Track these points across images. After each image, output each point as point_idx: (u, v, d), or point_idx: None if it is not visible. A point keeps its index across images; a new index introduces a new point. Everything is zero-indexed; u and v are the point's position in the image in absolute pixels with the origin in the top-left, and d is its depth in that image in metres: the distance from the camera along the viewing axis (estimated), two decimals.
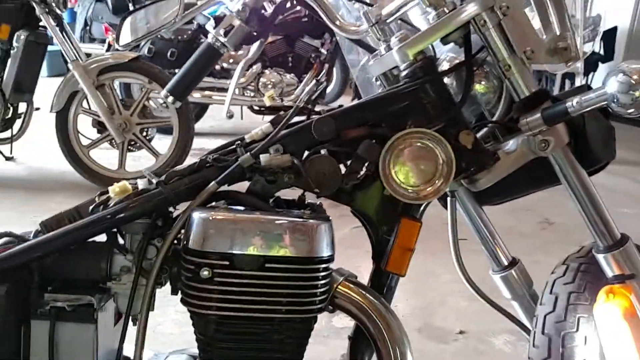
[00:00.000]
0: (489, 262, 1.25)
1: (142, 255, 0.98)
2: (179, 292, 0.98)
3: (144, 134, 3.40)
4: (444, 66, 1.11)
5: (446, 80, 1.08)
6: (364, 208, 1.04)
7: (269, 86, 4.42)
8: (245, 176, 0.99)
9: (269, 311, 0.93)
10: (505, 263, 1.23)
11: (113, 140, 3.31)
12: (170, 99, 1.10)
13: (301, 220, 0.95)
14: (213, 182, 0.97)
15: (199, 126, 4.41)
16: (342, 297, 1.00)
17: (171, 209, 1.03)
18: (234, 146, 1.03)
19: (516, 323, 1.23)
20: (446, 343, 2.23)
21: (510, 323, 1.40)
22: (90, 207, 0.99)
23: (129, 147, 3.35)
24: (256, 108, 4.69)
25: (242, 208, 0.98)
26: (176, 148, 3.35)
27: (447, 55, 1.16)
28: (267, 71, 4.43)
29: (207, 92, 4.46)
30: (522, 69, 1.01)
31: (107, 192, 1.00)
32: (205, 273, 0.92)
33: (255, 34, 1.11)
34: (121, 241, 1.01)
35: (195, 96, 4.37)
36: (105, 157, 3.45)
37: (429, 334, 2.26)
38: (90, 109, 3.30)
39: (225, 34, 1.08)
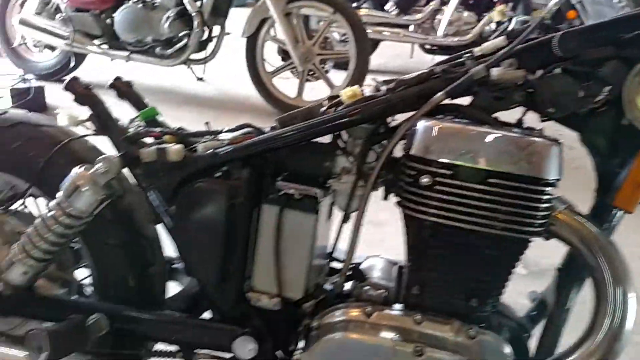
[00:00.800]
0: None
1: (362, 159, 1.03)
2: (391, 196, 1.02)
3: (322, 65, 3.51)
4: None
5: None
6: (595, 136, 0.98)
7: (444, 24, 4.26)
8: (472, 90, 0.98)
9: (485, 226, 0.93)
10: None
11: (294, 69, 3.47)
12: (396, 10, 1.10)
13: (532, 138, 0.92)
14: (441, 93, 0.97)
15: None
16: (561, 226, 0.96)
17: (390, 118, 1.06)
18: (462, 59, 1.01)
19: None
20: None
21: None
22: (322, 109, 1.05)
23: (308, 76, 3.49)
24: (428, 47, 4.57)
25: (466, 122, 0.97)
26: (351, 81, 3.41)
27: None
28: (445, 8, 4.26)
29: (379, 28, 4.42)
30: None
31: (337, 96, 1.05)
32: (425, 180, 0.94)
33: None
34: (343, 144, 1.06)
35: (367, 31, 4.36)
36: (285, 85, 3.63)
37: None
38: (276, 37, 3.47)
39: None
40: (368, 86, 1.05)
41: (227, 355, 1.09)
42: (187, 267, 1.11)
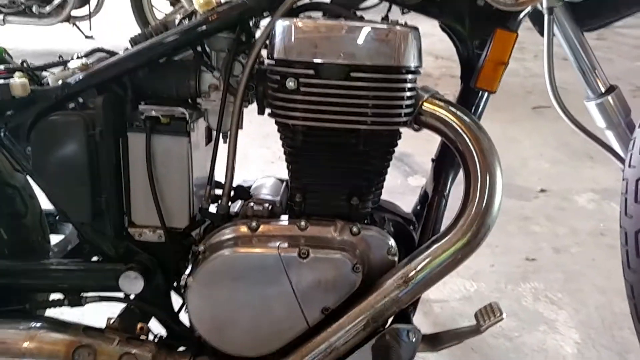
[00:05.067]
0: (584, 90, 1.18)
1: (229, 72, 0.98)
2: (266, 108, 0.99)
3: None
4: None
5: None
6: (454, 21, 0.98)
7: None
8: None
9: (354, 122, 0.92)
10: (603, 90, 1.16)
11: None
12: None
13: (388, 28, 0.91)
14: None
15: None
16: (429, 114, 0.97)
17: (253, 26, 1.02)
18: None
19: (610, 151, 1.17)
20: (527, 200, 2.20)
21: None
22: (177, 21, 0.99)
23: None
24: None
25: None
26: None
27: None
28: None
29: None
30: None
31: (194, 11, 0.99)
32: (291, 84, 0.92)
33: None
34: (207, 59, 1.01)
35: None
36: None
37: (509, 193, 2.22)
38: None
39: None
40: None
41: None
42: (58, 211, 1.04)
